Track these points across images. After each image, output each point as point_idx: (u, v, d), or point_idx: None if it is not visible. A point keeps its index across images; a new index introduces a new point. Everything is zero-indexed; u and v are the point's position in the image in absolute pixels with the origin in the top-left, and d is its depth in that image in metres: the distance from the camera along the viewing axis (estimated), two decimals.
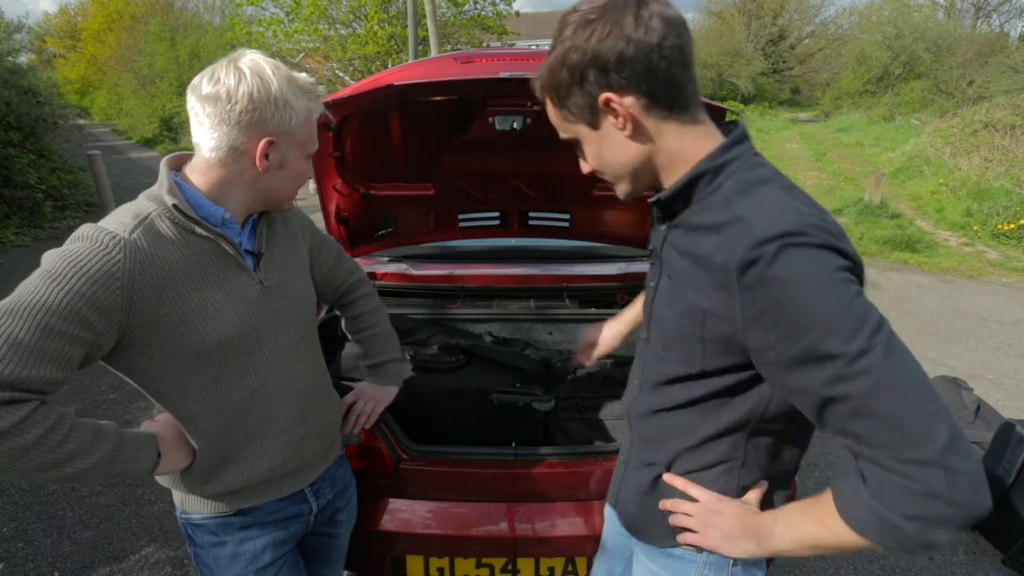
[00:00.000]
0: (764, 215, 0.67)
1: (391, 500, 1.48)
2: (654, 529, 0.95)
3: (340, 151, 1.83)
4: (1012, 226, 6.65)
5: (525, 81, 1.45)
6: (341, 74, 12.63)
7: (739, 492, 0.86)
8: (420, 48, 9.82)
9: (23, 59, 12.65)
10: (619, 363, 1.75)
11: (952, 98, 16.61)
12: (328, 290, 1.30)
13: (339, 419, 1.24)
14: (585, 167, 0.87)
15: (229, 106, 0.85)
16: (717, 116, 0.97)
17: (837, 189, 9.44)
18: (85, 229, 0.83)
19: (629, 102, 0.74)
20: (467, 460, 1.44)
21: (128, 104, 19.09)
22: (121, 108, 20.35)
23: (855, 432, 0.64)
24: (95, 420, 0.86)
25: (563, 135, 0.84)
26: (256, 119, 0.87)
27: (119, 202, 0.95)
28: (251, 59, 0.88)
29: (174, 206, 0.87)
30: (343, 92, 1.53)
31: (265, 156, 0.91)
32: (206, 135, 0.88)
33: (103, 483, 2.54)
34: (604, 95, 0.74)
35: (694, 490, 0.87)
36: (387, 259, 2.38)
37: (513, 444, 1.48)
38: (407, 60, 9.18)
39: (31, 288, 0.77)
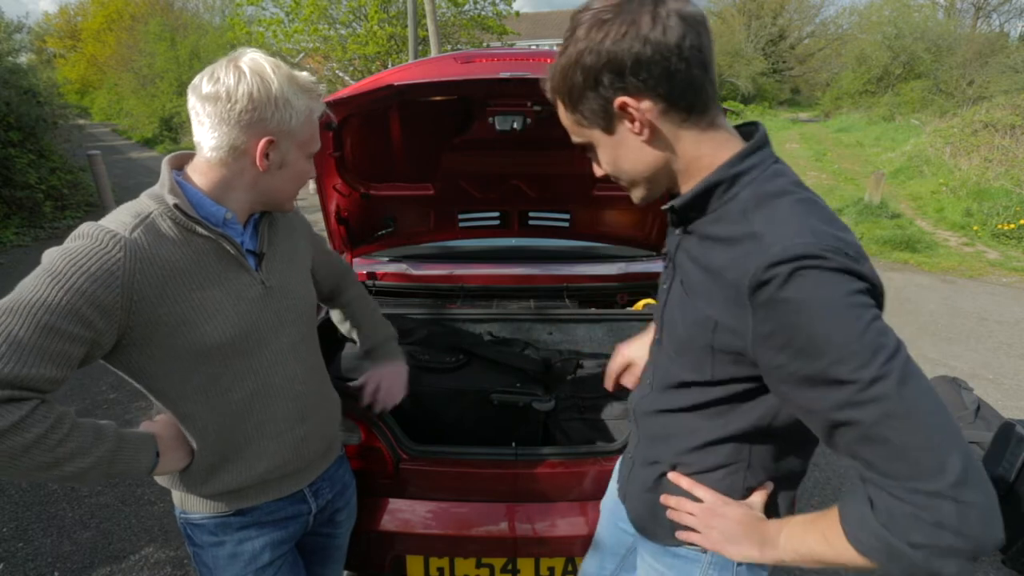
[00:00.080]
0: (779, 233, 0.65)
1: (391, 500, 1.48)
2: (660, 527, 0.94)
3: (340, 151, 1.83)
4: (1012, 226, 6.65)
5: (525, 81, 1.46)
6: (341, 74, 12.63)
7: (744, 493, 0.85)
8: (420, 48, 9.82)
9: (23, 59, 12.67)
10: None
11: (952, 98, 16.61)
12: (324, 288, 1.31)
13: (339, 419, 1.24)
14: (598, 171, 0.84)
15: (229, 105, 0.85)
16: None
17: (837, 189, 9.44)
18: (86, 227, 0.83)
19: (646, 106, 0.71)
20: (467, 460, 1.44)
21: (128, 104, 19.10)
22: (121, 108, 20.36)
23: (864, 457, 0.63)
24: (95, 420, 0.86)
25: (575, 139, 0.81)
26: (256, 118, 0.87)
27: (119, 202, 0.94)
28: (251, 58, 0.88)
29: (175, 206, 0.87)
30: (343, 92, 1.53)
31: (265, 156, 0.90)
32: (207, 135, 0.88)
33: (103, 483, 2.54)
34: (620, 99, 0.71)
35: (699, 490, 0.86)
36: (387, 259, 2.38)
37: (513, 444, 1.48)
38: (407, 60, 9.18)
39: (31, 286, 0.76)
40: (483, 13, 12.07)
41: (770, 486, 0.85)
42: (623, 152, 0.77)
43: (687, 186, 0.77)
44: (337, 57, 12.29)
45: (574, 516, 1.44)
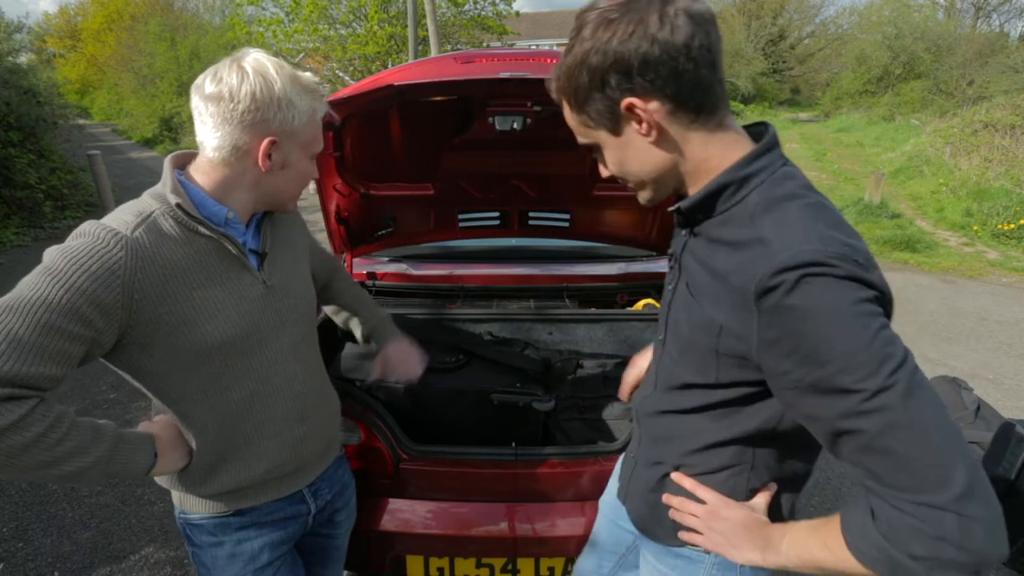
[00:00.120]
0: (786, 239, 0.64)
1: (391, 500, 1.48)
2: (662, 528, 0.94)
3: (340, 151, 1.83)
4: (1012, 226, 6.65)
5: (525, 81, 1.46)
6: (341, 74, 12.62)
7: (748, 495, 0.85)
8: (420, 48, 9.82)
9: (23, 59, 12.67)
10: (619, 363, 1.76)
11: (952, 98, 16.60)
12: (317, 284, 1.32)
13: (338, 420, 1.24)
14: (605, 172, 0.83)
15: (232, 105, 0.85)
16: None
17: (837, 189, 9.44)
18: (87, 226, 0.83)
19: (654, 107, 0.69)
20: (467, 460, 1.44)
21: (128, 104, 19.09)
22: (121, 108, 20.34)
23: (868, 467, 0.63)
24: (94, 419, 0.86)
25: (581, 140, 0.80)
26: (258, 119, 0.87)
27: (119, 202, 0.94)
28: (254, 58, 0.88)
29: (178, 205, 0.87)
30: (343, 92, 1.53)
31: (267, 156, 0.90)
32: (209, 134, 0.88)
33: (103, 483, 2.54)
34: (627, 100, 0.69)
35: (702, 492, 0.86)
36: (387, 259, 2.38)
37: (513, 444, 1.48)
38: (407, 60, 9.18)
39: (32, 285, 0.76)
40: (483, 13, 12.06)
41: (773, 487, 0.85)
42: (630, 153, 0.76)
43: (695, 188, 0.76)
44: (337, 57, 12.28)
45: (574, 516, 1.44)
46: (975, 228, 6.97)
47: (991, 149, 8.76)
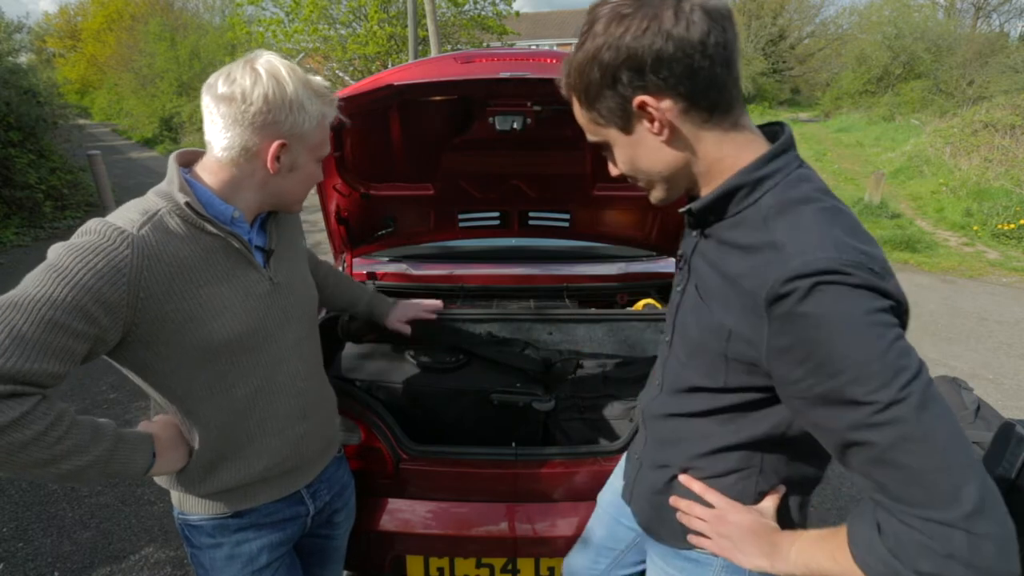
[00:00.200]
0: (800, 244, 0.62)
1: (391, 500, 1.48)
2: (668, 530, 0.93)
3: (340, 151, 1.83)
4: (1012, 226, 6.65)
5: (525, 81, 1.46)
6: (341, 74, 12.62)
7: (756, 498, 0.84)
8: (420, 48, 9.82)
9: (23, 59, 12.68)
10: (619, 363, 1.75)
11: (952, 98, 16.60)
12: None
13: (337, 420, 1.24)
14: (614, 170, 0.81)
15: (244, 107, 0.85)
16: None
17: (837, 189, 9.42)
18: (93, 224, 0.83)
19: (666, 106, 0.67)
20: (467, 460, 1.44)
21: (128, 104, 19.09)
22: (121, 108, 20.34)
23: (877, 479, 0.61)
24: (94, 418, 0.86)
25: (591, 138, 0.78)
26: (270, 121, 0.87)
27: (119, 202, 0.95)
28: (267, 60, 0.88)
29: (187, 204, 0.87)
30: (343, 92, 1.53)
31: (276, 158, 0.91)
32: (219, 135, 0.88)
33: (103, 483, 2.54)
34: (639, 98, 0.68)
35: (710, 495, 0.85)
36: (387, 259, 2.38)
37: (513, 444, 1.48)
38: (407, 60, 9.18)
39: (37, 281, 0.76)
40: (483, 13, 12.06)
41: (782, 490, 0.84)
42: (641, 152, 0.74)
43: (708, 188, 0.74)
44: (337, 57, 12.28)
45: (574, 516, 1.44)
46: (975, 228, 6.97)
47: (991, 149, 8.77)
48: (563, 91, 0.77)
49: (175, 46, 16.87)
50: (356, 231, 2.08)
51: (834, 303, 0.59)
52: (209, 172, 0.92)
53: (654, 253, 2.38)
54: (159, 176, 0.92)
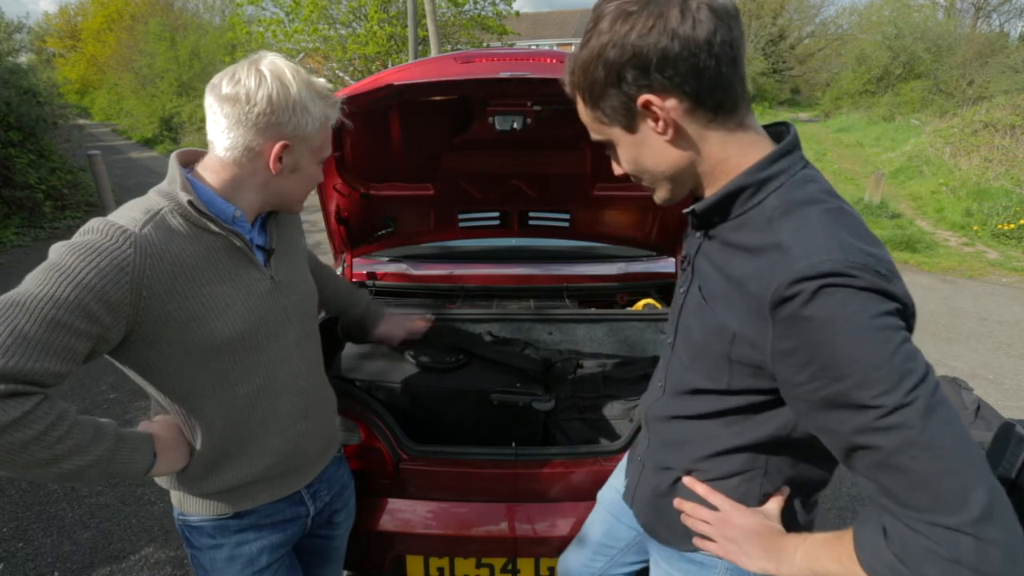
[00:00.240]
0: (806, 246, 0.62)
1: (391, 500, 1.48)
2: (671, 532, 0.92)
3: (340, 151, 1.83)
4: (1012, 226, 6.65)
5: (525, 81, 1.46)
6: (341, 74, 12.62)
7: (761, 499, 0.83)
8: (420, 48, 9.82)
9: (23, 59, 12.68)
10: (619, 363, 1.75)
11: (952, 98, 16.60)
12: None
13: (336, 419, 1.25)
14: (618, 170, 0.80)
15: (247, 108, 0.86)
16: None
17: (837, 189, 9.34)
18: (95, 223, 0.83)
19: (671, 105, 0.67)
20: (467, 460, 1.44)
21: (128, 104, 19.09)
22: (121, 108, 20.34)
23: (882, 483, 0.61)
24: (95, 418, 0.86)
25: (595, 137, 0.77)
26: (273, 122, 0.88)
27: (119, 202, 0.95)
28: (272, 62, 0.88)
29: (189, 203, 0.87)
30: (343, 92, 1.53)
31: (279, 159, 0.91)
32: (222, 135, 0.88)
33: (103, 483, 2.54)
34: (644, 97, 0.67)
35: (715, 498, 0.84)
36: (387, 259, 2.38)
37: (513, 444, 1.48)
38: (407, 60, 9.18)
39: (38, 280, 0.76)
40: (483, 13, 12.06)
41: (787, 491, 0.83)
42: (645, 152, 0.73)
43: (712, 188, 0.74)
44: (337, 57, 12.28)
45: (574, 516, 1.44)
46: (975, 228, 6.98)
47: (991, 149, 8.77)
48: (567, 89, 0.76)
49: (175, 46, 16.87)
50: (356, 231, 2.08)
51: (840, 306, 0.58)
52: (211, 171, 0.92)
53: (654, 253, 2.38)
54: (159, 176, 0.92)
